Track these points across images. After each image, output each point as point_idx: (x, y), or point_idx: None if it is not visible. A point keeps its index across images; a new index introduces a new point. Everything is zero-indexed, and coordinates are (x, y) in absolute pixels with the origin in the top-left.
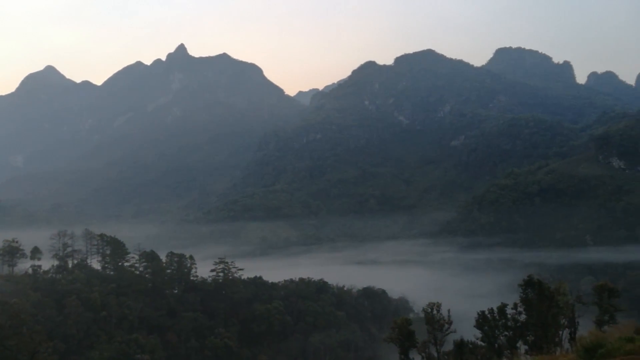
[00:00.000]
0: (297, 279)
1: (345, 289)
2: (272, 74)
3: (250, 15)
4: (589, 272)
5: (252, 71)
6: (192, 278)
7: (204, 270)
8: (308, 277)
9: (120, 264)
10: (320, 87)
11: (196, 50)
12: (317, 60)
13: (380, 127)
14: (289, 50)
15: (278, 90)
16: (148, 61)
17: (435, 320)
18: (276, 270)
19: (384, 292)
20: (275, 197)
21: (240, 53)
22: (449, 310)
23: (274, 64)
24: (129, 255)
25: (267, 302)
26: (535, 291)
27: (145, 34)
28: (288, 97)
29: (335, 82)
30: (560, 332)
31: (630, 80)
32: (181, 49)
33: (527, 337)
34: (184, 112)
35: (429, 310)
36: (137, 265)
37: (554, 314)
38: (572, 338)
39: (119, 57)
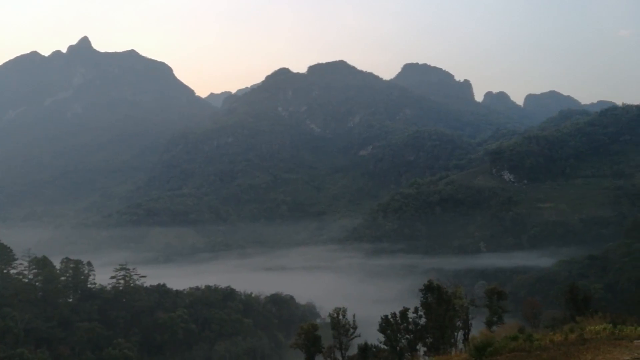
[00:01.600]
0: (203, 287)
1: (253, 295)
2: (183, 74)
3: (162, 12)
4: (482, 276)
5: (161, 70)
6: (89, 286)
7: (103, 277)
8: (215, 285)
9: (5, 271)
10: (233, 90)
11: (101, 45)
12: (231, 63)
13: (292, 134)
14: (201, 51)
15: (188, 91)
16: (46, 52)
17: (340, 325)
18: (181, 278)
19: (291, 298)
20: (182, 201)
21: (150, 50)
22: (354, 315)
23: (185, 64)
24: (16, 262)
25: (170, 310)
26: (434, 295)
27: (43, 23)
28: (199, 98)
29: (249, 86)
30: (456, 334)
31: (519, 101)
32: (84, 41)
33: (427, 340)
34: (85, 109)
35: (335, 315)
36: (25, 272)
37: (451, 317)
38: (465, 338)
39: (11, 45)
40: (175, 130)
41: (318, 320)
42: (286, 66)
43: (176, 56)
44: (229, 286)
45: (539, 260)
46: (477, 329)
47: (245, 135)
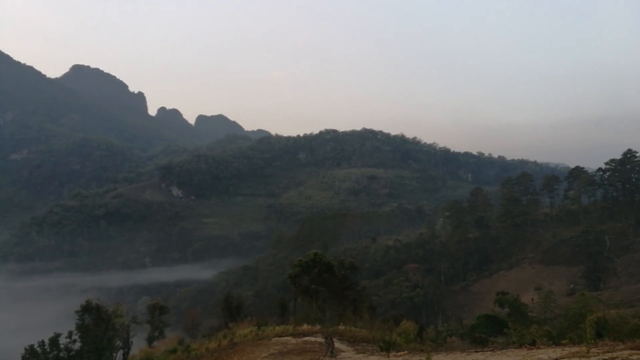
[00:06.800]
0: None
1: None
2: None
3: None
4: (146, 292)
5: None
6: None
7: None
8: None
9: None
10: None
11: None
12: None
13: None
14: None
15: None
16: None
17: None
18: None
19: None
20: None
21: None
22: None
23: None
24: None
25: None
26: (92, 316)
27: None
28: None
29: None
30: (115, 354)
31: (191, 120)
32: None
33: None
34: None
35: None
36: None
37: (110, 337)
38: (125, 358)
39: None
40: None
41: None
42: None
43: None
44: None
45: (201, 272)
46: (139, 346)
47: None
